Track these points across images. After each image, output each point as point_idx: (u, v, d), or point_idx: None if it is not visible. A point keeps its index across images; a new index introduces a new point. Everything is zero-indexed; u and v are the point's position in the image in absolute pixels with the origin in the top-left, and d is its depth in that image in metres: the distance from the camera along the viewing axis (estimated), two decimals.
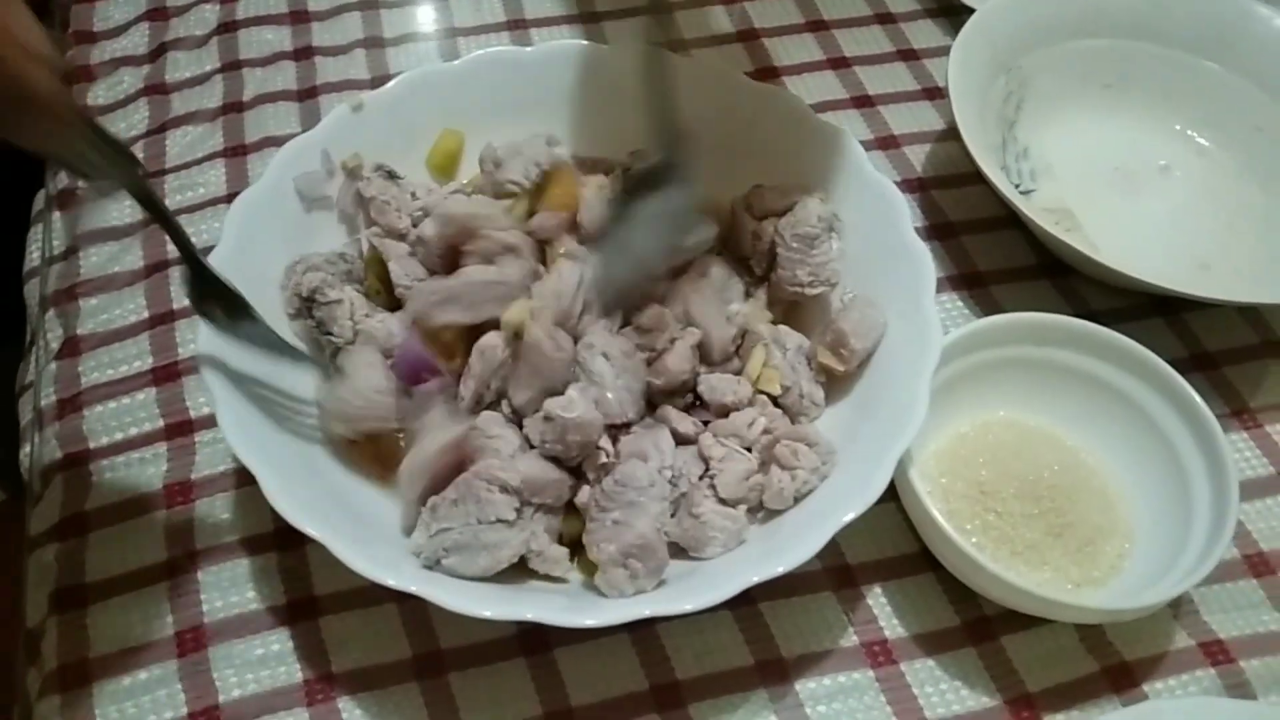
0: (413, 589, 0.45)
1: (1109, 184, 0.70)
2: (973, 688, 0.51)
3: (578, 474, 0.51)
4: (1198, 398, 0.53)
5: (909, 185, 0.69)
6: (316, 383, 0.54)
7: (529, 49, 0.64)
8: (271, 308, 0.54)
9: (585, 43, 0.64)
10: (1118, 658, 0.52)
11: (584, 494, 0.51)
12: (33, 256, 0.67)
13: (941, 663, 0.52)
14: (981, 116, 0.66)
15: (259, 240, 0.55)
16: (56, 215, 0.66)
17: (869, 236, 0.57)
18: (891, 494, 0.55)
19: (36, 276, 0.66)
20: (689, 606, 0.45)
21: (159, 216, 0.49)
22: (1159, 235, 0.67)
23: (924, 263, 0.54)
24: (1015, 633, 0.52)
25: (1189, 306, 0.64)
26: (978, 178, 0.64)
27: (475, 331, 0.53)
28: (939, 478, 0.55)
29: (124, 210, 0.65)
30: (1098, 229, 0.67)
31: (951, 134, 0.71)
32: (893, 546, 0.55)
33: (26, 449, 0.59)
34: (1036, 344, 0.56)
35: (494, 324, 0.52)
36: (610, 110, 0.62)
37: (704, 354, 0.55)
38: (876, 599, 0.53)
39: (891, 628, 0.53)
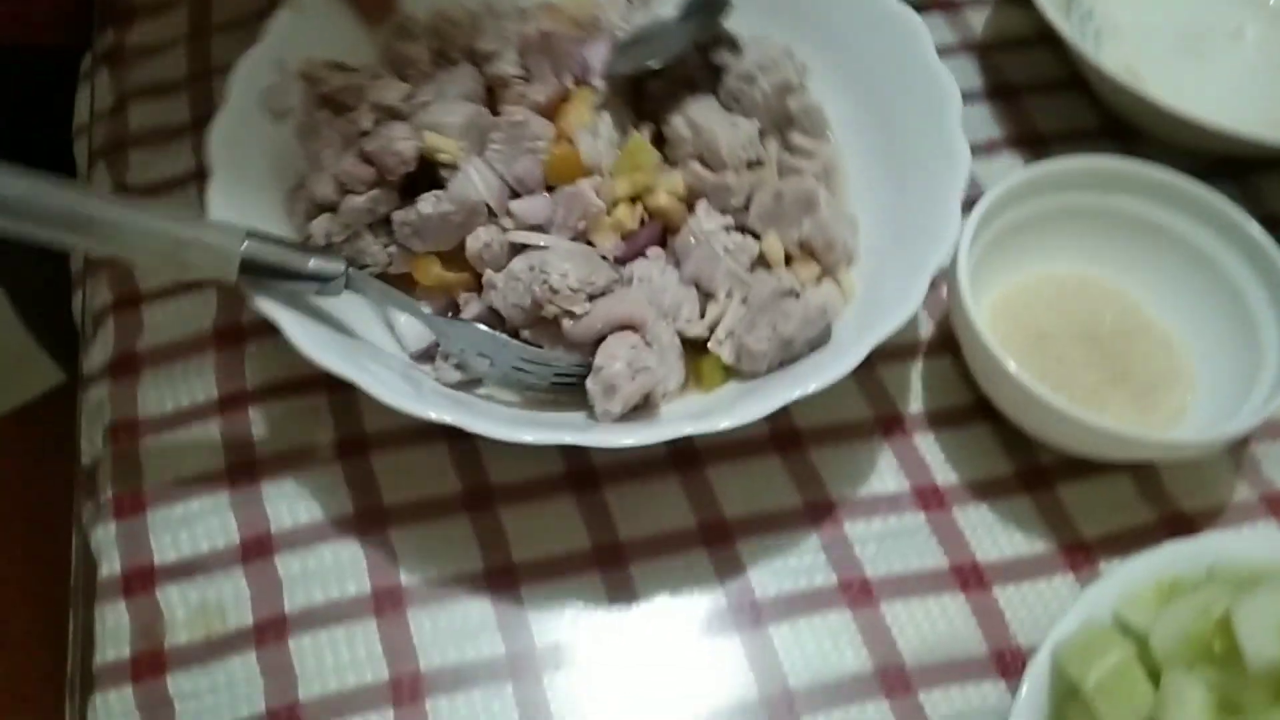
0: (448, 419, 0.45)
1: (1177, 47, 0.67)
2: (1027, 533, 0.50)
3: None
4: (1270, 243, 0.52)
5: (968, 48, 0.67)
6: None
7: None
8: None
9: None
10: (1176, 507, 0.51)
11: None
12: (81, 114, 0.67)
13: (995, 509, 0.51)
14: None
15: (248, 166, 0.52)
16: (104, 72, 0.66)
17: (888, 63, 0.57)
18: (946, 346, 0.55)
19: (85, 134, 0.66)
20: (725, 424, 0.46)
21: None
22: (1230, 99, 0.64)
23: (947, 84, 0.54)
24: (1071, 481, 0.51)
25: (1258, 169, 0.62)
26: (1038, 40, 0.62)
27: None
28: (996, 326, 0.54)
29: (168, 65, 0.65)
30: (1165, 93, 0.63)
31: None
32: (945, 398, 0.54)
33: (79, 295, 0.59)
34: (1098, 191, 0.54)
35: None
36: None
37: (711, 159, 0.53)
38: (930, 446, 0.53)
39: (944, 474, 0.52)
